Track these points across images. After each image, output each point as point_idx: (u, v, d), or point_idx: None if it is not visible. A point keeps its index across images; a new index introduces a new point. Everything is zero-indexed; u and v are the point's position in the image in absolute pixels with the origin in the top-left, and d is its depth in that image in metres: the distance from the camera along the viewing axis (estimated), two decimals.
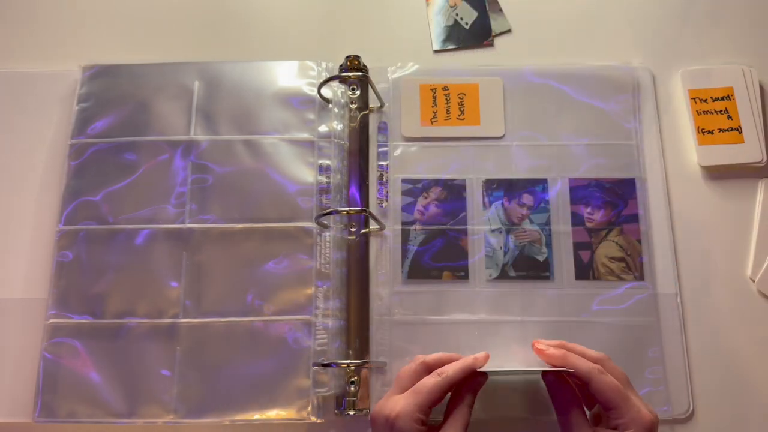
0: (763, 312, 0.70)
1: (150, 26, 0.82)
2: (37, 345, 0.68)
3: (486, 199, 0.73)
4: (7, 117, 0.77)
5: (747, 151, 0.74)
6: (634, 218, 0.72)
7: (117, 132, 0.74)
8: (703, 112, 0.75)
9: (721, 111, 0.75)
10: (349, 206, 0.72)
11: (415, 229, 0.72)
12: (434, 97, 0.77)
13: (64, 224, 0.71)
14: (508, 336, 0.69)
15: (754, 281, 0.71)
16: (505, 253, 0.72)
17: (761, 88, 0.76)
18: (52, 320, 0.68)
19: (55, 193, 0.73)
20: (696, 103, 0.76)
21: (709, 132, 0.75)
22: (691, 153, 0.75)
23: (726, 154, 0.74)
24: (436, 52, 0.80)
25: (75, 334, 0.68)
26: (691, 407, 0.67)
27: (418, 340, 0.69)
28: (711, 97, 0.76)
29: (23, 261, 0.72)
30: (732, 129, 0.74)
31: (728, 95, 0.76)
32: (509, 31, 0.81)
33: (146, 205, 0.71)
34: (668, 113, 0.77)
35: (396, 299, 0.70)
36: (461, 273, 0.71)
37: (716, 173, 0.74)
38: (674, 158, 0.75)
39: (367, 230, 0.72)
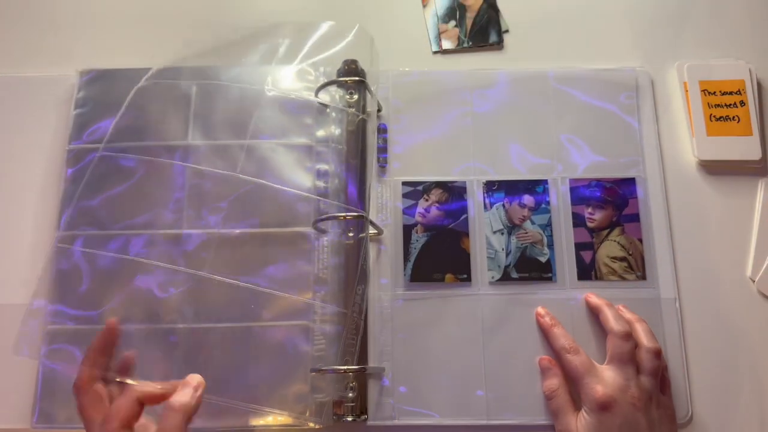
0: (763, 312, 0.70)
1: (147, 31, 0.82)
2: (36, 351, 0.67)
3: (487, 201, 0.73)
4: (4, 122, 0.77)
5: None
6: (635, 218, 0.72)
7: (115, 137, 0.74)
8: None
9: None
10: (347, 211, 0.72)
11: (416, 232, 0.72)
12: None
13: (63, 230, 0.71)
14: (511, 338, 0.69)
15: (754, 281, 0.70)
16: (507, 255, 0.71)
17: (759, 84, 0.77)
18: (50, 326, 0.68)
19: (53, 199, 0.73)
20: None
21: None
22: (691, 152, 0.75)
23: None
24: (435, 53, 0.80)
25: (73, 341, 0.68)
26: (690, 412, 0.66)
27: (420, 344, 0.69)
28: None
29: (22, 266, 0.72)
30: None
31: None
32: (507, 31, 0.81)
33: (144, 210, 0.71)
34: (668, 113, 0.77)
35: (398, 303, 0.70)
36: (463, 275, 0.71)
37: (716, 172, 0.74)
38: (674, 158, 0.75)
39: (364, 235, 0.71)
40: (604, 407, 0.60)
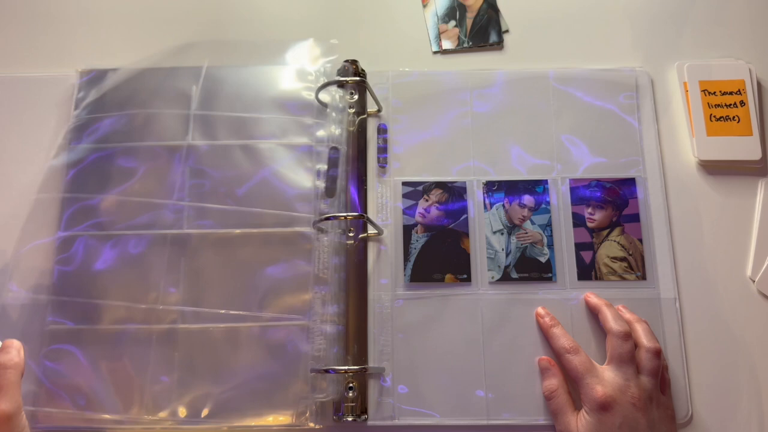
0: (763, 312, 0.69)
1: (147, 31, 0.82)
2: (36, 351, 0.68)
3: (487, 201, 0.73)
4: (4, 122, 0.77)
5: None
6: (635, 218, 0.72)
7: (115, 137, 0.74)
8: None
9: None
10: (347, 211, 0.72)
11: (416, 232, 0.72)
12: None
13: (63, 230, 0.71)
14: (511, 338, 0.69)
15: (754, 281, 0.70)
16: (507, 255, 0.71)
17: (759, 84, 0.77)
18: (51, 326, 0.68)
19: (54, 199, 0.73)
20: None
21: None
22: (691, 152, 0.75)
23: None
24: (435, 53, 0.80)
25: (74, 340, 0.68)
26: (690, 412, 0.66)
27: (420, 344, 0.69)
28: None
29: (23, 267, 0.72)
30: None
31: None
32: (507, 31, 0.81)
33: (144, 210, 0.71)
34: (668, 113, 0.77)
35: (398, 303, 0.70)
36: (464, 275, 0.71)
37: (716, 172, 0.74)
38: (674, 158, 0.75)
39: (364, 235, 0.71)
40: (603, 407, 0.60)
